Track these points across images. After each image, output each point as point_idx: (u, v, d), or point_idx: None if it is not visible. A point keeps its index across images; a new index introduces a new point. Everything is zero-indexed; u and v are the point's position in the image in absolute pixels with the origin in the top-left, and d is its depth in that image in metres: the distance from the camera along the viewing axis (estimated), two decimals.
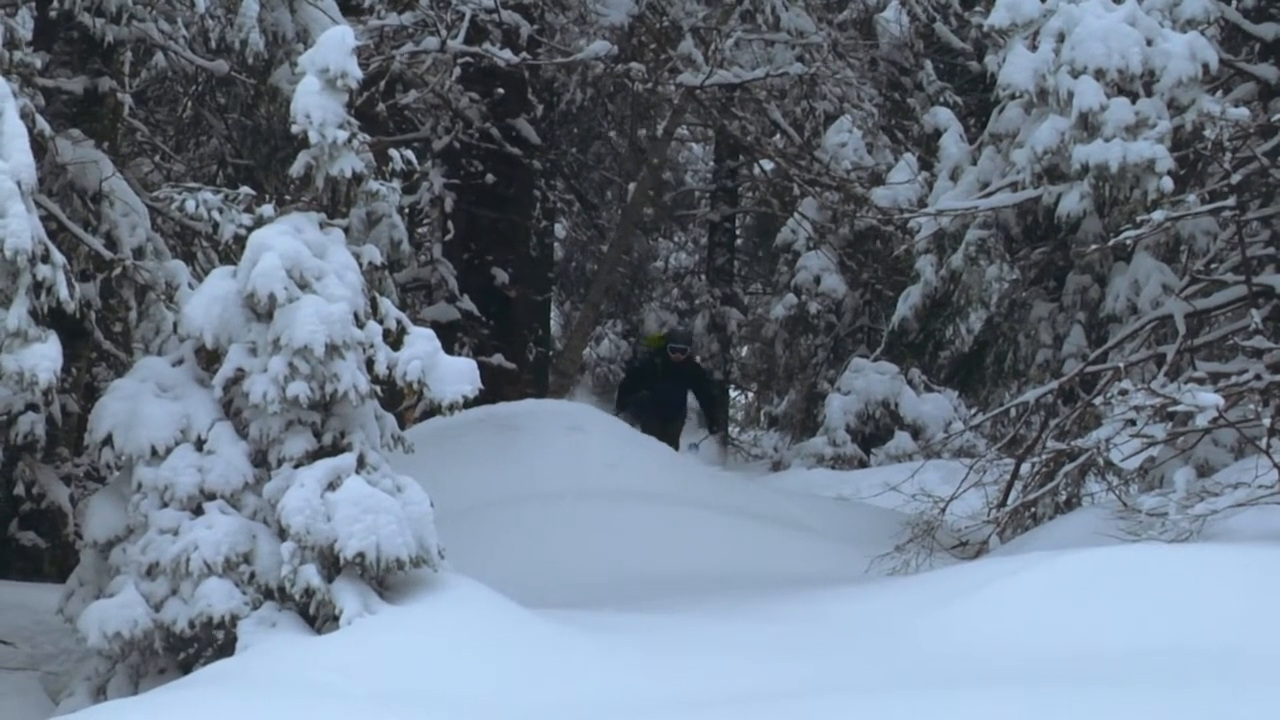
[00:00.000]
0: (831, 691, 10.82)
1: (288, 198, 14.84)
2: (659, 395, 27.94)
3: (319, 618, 12.96)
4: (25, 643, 15.24)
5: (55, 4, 14.74)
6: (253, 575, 13.18)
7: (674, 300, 30.46)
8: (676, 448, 26.22)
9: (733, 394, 29.15)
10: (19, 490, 19.45)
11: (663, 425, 27.19)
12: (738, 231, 27.67)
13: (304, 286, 13.20)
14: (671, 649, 12.26)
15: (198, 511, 13.36)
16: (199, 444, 13.45)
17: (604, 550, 16.53)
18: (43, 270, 12.99)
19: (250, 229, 13.73)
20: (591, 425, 19.81)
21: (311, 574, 12.91)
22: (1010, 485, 17.99)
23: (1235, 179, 18.18)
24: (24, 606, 15.75)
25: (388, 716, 10.71)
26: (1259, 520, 15.68)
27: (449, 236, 25.79)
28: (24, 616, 15.54)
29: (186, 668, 13.15)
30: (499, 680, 11.55)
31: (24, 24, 14.29)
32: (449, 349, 13.82)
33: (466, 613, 12.68)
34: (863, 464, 25.05)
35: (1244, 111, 18.39)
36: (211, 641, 13.20)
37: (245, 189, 15.41)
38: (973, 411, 21.35)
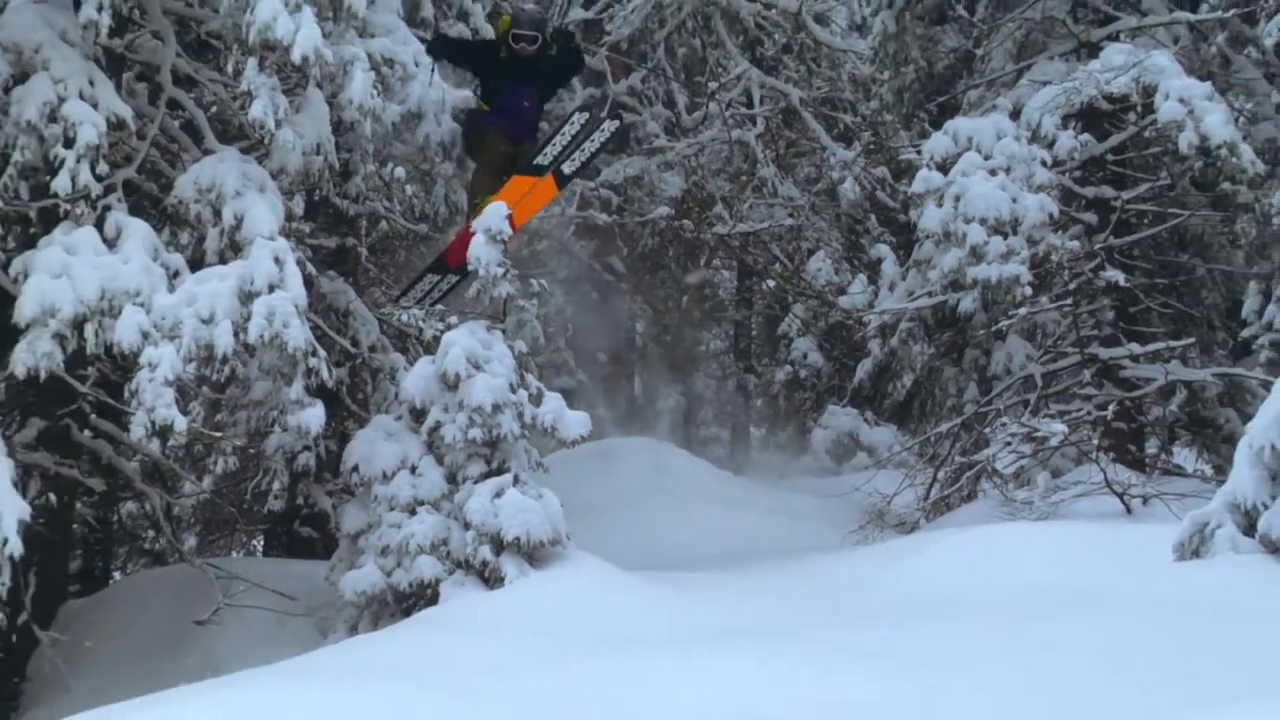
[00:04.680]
0: (819, 623, 10.77)
1: (465, 311, 14.88)
2: (504, 102, 14.90)
3: (491, 580, 12.99)
4: (305, 598, 15.24)
5: (317, 192, 14.76)
6: (449, 553, 13.25)
7: (712, 371, 30.38)
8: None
9: (752, 431, 28.24)
10: (299, 501, 19.49)
11: (515, 147, 15.01)
12: (753, 326, 27.50)
13: (477, 367, 13.31)
14: (710, 593, 12.26)
15: (413, 513, 13.42)
16: (412, 470, 13.55)
17: (674, 535, 16.51)
18: (312, 361, 13.02)
19: (443, 332, 13.80)
20: (666, 454, 19.84)
21: (486, 552, 12.96)
22: (931, 486, 17.88)
23: (1071, 286, 18.16)
24: (304, 576, 15.77)
25: (533, 644, 10.65)
26: (1092, 505, 15.75)
27: (569, 333, 25.97)
28: (304, 582, 15.53)
29: (408, 613, 13.17)
30: (607, 617, 11.51)
31: (298, 205, 14.36)
32: (570, 406, 13.87)
33: (585, 575, 12.68)
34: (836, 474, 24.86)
35: (1076, 244, 18.39)
36: (423, 596, 13.24)
37: (440, 306, 15.49)
38: (907, 439, 21.18)
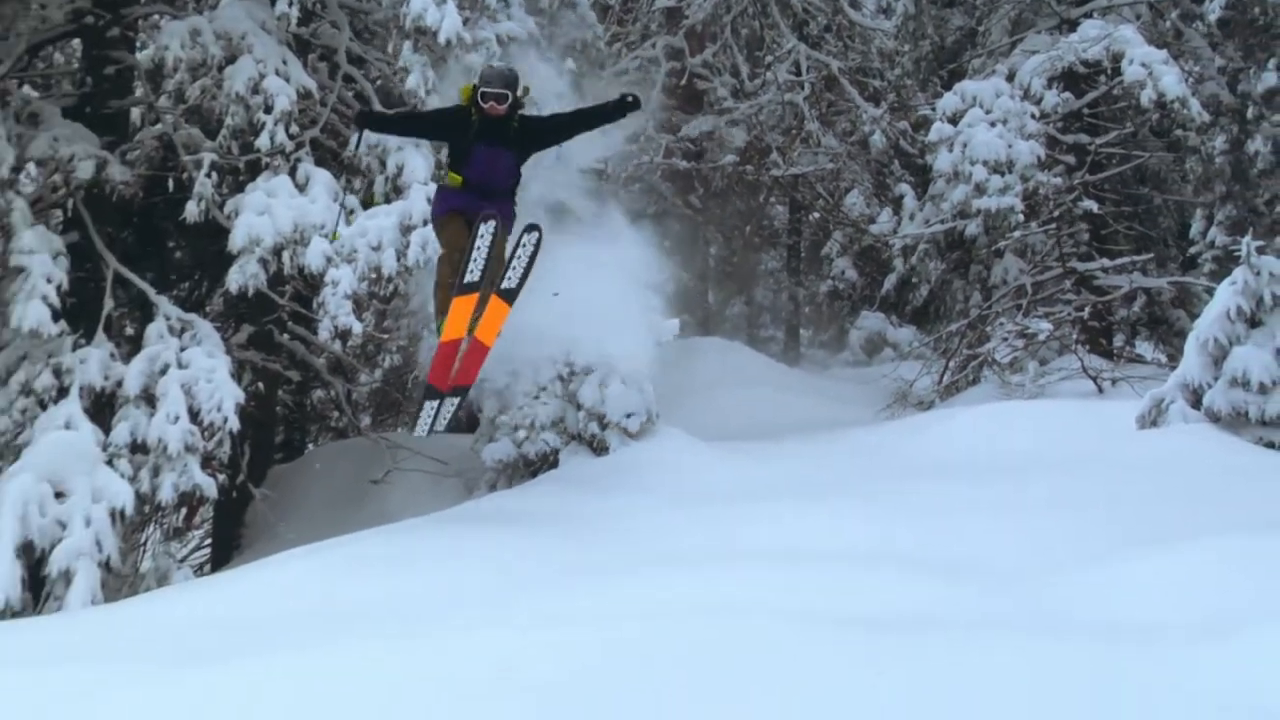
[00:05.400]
0: (857, 480, 10.77)
1: None
2: (476, 169, 9.91)
3: (598, 449, 13.02)
4: (455, 464, 15.37)
5: None
6: (565, 429, 13.25)
7: (769, 285, 30.19)
8: (502, 261, 9.90)
9: (802, 332, 28.06)
10: None
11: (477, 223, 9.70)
12: (802, 249, 27.33)
13: None
14: (771, 458, 12.25)
15: (536, 397, 13.44)
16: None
17: (741, 413, 16.48)
18: None
19: None
20: (734, 351, 19.85)
21: (595, 428, 13.02)
22: (944, 372, 17.77)
23: (1055, 214, 18.00)
24: (454, 446, 15.87)
25: (635, 498, 10.71)
26: (1073, 387, 15.59)
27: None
28: (454, 451, 15.66)
29: (534, 474, 13.24)
30: (691, 477, 11.55)
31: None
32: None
33: (671, 444, 12.70)
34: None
35: (1059, 180, 18.22)
36: (546, 461, 13.30)
37: None
38: (924, 336, 21.08)
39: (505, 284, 9.64)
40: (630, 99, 9.84)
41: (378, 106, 14.19)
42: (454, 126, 9.89)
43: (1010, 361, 16.83)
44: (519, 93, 9.81)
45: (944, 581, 7.03)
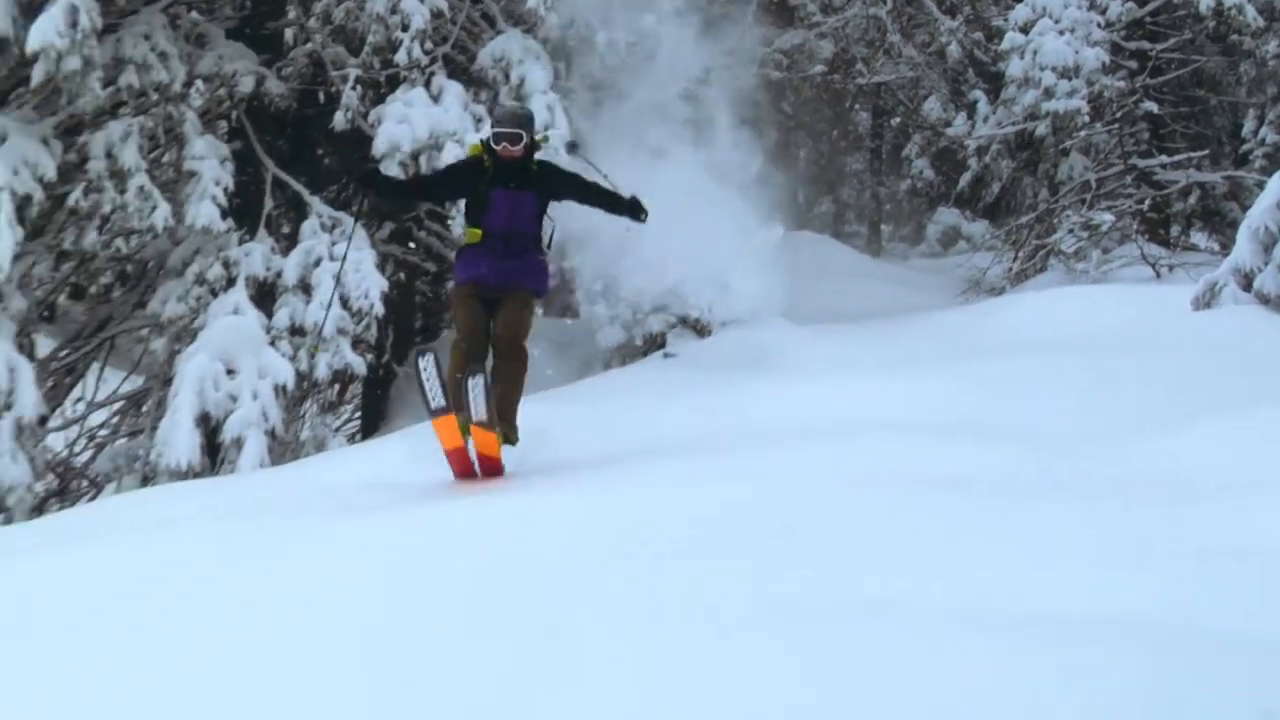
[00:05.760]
0: (935, 359, 10.68)
1: None
2: (495, 216, 7.59)
3: (702, 332, 12.99)
4: (575, 347, 15.42)
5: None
6: (670, 314, 13.17)
7: (854, 184, 29.80)
8: (520, 335, 7.56)
9: (883, 227, 27.73)
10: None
11: (500, 285, 7.57)
12: (884, 152, 26.95)
13: None
14: (857, 339, 12.19)
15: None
16: None
17: (830, 298, 16.35)
18: None
19: None
20: (823, 244, 19.79)
21: (698, 315, 12.92)
22: (1014, 261, 17.60)
23: (1118, 115, 17.66)
24: (573, 329, 15.92)
25: (736, 374, 10.70)
26: (1133, 273, 15.39)
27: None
28: (573, 333, 15.71)
29: (645, 354, 13.26)
30: (788, 355, 11.53)
31: (562, 70, 14.04)
32: None
33: (768, 327, 12.65)
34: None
35: (1122, 83, 17.83)
36: (653, 343, 13.29)
37: None
38: (995, 229, 20.79)
39: (475, 417, 7.17)
40: (643, 216, 7.90)
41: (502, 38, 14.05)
42: (467, 175, 7.77)
43: (1075, 251, 16.59)
44: (535, 134, 7.83)
45: (1015, 448, 6.97)
